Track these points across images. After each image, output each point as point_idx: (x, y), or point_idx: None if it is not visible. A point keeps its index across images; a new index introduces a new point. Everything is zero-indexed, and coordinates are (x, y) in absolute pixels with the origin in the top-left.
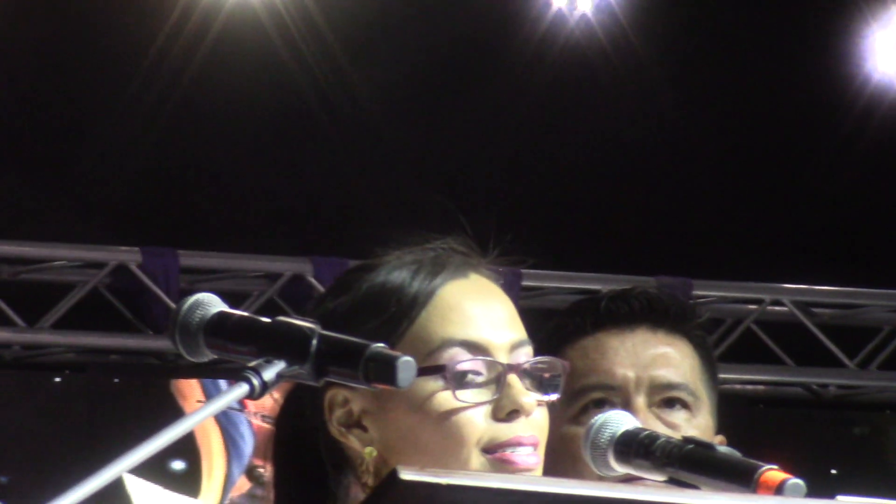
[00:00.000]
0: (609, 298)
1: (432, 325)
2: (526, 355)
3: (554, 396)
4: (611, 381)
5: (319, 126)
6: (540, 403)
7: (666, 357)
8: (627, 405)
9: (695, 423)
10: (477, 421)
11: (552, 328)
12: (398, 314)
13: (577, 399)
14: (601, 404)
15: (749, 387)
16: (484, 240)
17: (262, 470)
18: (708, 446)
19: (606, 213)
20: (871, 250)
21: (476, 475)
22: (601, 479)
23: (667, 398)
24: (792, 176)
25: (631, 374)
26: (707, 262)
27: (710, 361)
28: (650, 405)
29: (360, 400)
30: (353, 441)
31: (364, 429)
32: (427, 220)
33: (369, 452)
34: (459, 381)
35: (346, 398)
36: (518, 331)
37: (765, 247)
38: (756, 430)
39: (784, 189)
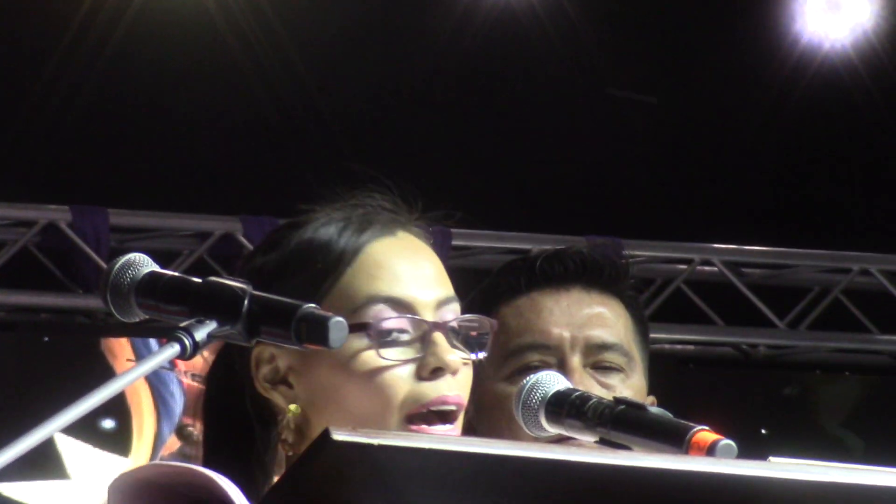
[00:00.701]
0: (543, 258)
1: (358, 282)
2: (453, 313)
3: (481, 355)
4: (546, 341)
5: (249, 83)
6: (466, 362)
7: (600, 317)
8: (563, 365)
9: (629, 384)
10: (401, 380)
11: (486, 287)
12: (324, 270)
13: (513, 359)
14: (538, 367)
15: (679, 346)
16: (413, 198)
17: (192, 429)
18: (639, 407)
19: (536, 172)
20: (800, 211)
21: (409, 436)
22: (535, 440)
23: (601, 359)
24: (722, 136)
25: (566, 333)
26: (637, 221)
27: (643, 321)
28: (585, 365)
29: (286, 357)
30: (278, 398)
31: (289, 385)
32: (357, 180)
33: (293, 409)
34: (384, 339)
35: (272, 355)
36: (445, 288)
37: (695, 207)
38: (686, 389)
39: (714, 149)
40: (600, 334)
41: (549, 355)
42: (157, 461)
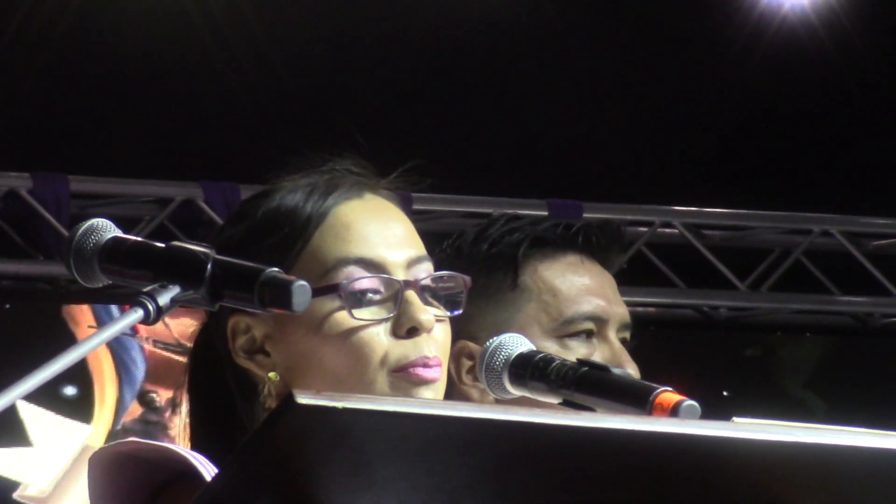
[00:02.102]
0: (588, 227)
1: (326, 245)
2: (425, 271)
3: (456, 312)
4: (602, 314)
5: (208, 48)
6: (441, 319)
7: (619, 294)
8: (603, 337)
9: None
10: (378, 338)
11: (506, 239)
12: (292, 235)
13: (569, 325)
14: (590, 335)
15: (640, 309)
16: (377, 162)
17: (154, 395)
18: (603, 368)
19: (497, 136)
20: (760, 172)
21: (373, 399)
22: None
23: (625, 337)
24: (682, 98)
25: (609, 308)
26: (597, 184)
27: None
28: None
29: (262, 326)
30: (256, 367)
31: (266, 354)
32: (319, 143)
33: (272, 377)
34: (355, 299)
35: (248, 325)
36: (416, 248)
37: (655, 169)
38: (647, 351)
39: (674, 111)
40: (626, 313)
41: (597, 326)
42: (133, 438)
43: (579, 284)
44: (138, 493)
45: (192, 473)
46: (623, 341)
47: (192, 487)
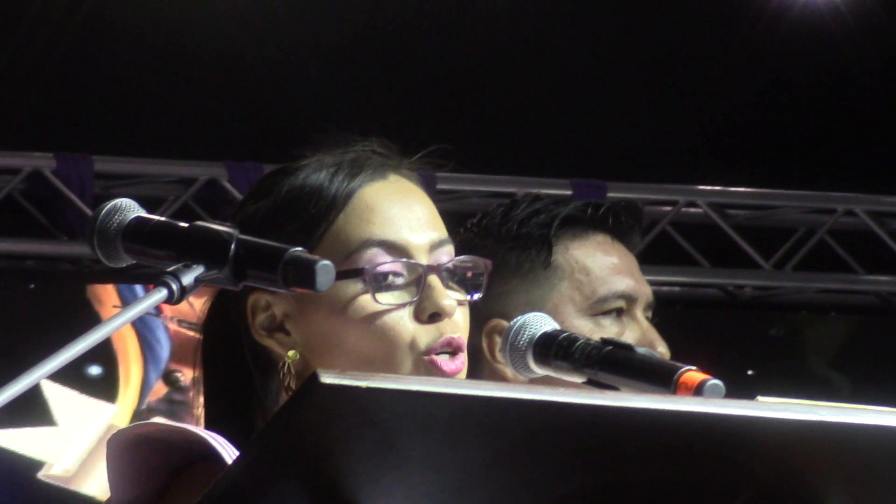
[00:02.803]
0: (615, 207)
1: (350, 227)
2: (447, 255)
3: (477, 296)
4: (633, 292)
5: (232, 28)
6: (461, 303)
7: (642, 274)
8: (632, 316)
9: None
10: (402, 323)
11: (540, 223)
12: (316, 216)
13: (602, 303)
14: (620, 314)
15: (665, 288)
16: (401, 142)
17: (178, 374)
18: (627, 347)
19: (521, 115)
20: (785, 151)
21: (397, 378)
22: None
23: (649, 316)
24: (706, 77)
25: (639, 287)
26: (621, 164)
27: None
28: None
29: (282, 304)
30: (275, 345)
31: (286, 332)
32: (343, 123)
33: (292, 356)
34: (379, 283)
35: (268, 302)
36: (438, 231)
37: (679, 148)
38: (672, 331)
39: (698, 90)
40: (651, 292)
41: (627, 305)
42: (154, 420)
43: (609, 264)
44: (157, 474)
45: (211, 454)
46: (647, 321)
47: (210, 468)
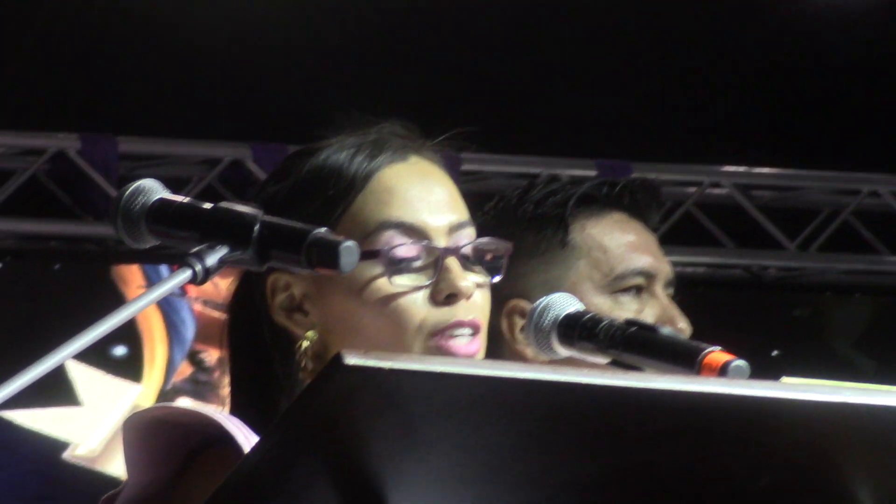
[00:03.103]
0: (632, 184)
1: (369, 209)
2: (467, 237)
3: (497, 278)
4: (651, 269)
5: (256, 8)
6: (480, 286)
7: (662, 252)
8: (652, 293)
9: None
10: (416, 306)
11: (550, 198)
12: (335, 197)
13: (620, 280)
14: (639, 291)
15: (689, 269)
16: (425, 124)
17: (203, 355)
18: (651, 328)
19: (545, 95)
20: (810, 132)
21: (420, 359)
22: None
23: (670, 293)
24: (731, 57)
25: (658, 264)
26: (646, 144)
27: None
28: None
29: (301, 284)
30: (294, 326)
31: (305, 313)
32: (367, 104)
33: (310, 336)
34: (395, 266)
35: (287, 283)
36: (458, 213)
37: (704, 129)
38: (697, 312)
39: (723, 70)
40: (671, 270)
41: (647, 282)
42: (169, 403)
43: (626, 241)
44: (173, 457)
45: (227, 438)
46: (668, 298)
47: (226, 452)
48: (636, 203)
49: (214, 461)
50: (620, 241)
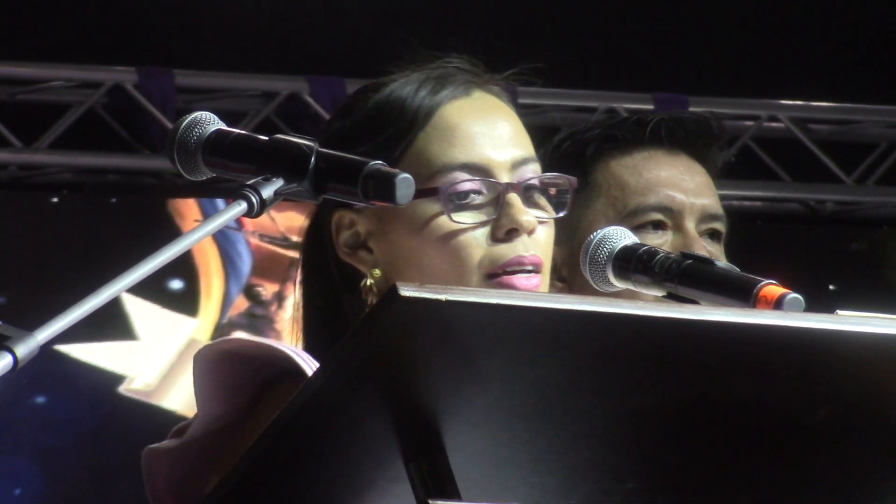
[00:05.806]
0: (662, 119)
1: (432, 148)
2: (532, 172)
3: (561, 214)
4: (670, 204)
5: None
6: (543, 221)
7: (708, 186)
8: (679, 229)
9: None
10: (476, 243)
11: (580, 140)
12: (397, 134)
13: (634, 217)
14: (659, 226)
15: (746, 203)
16: (484, 58)
17: (260, 289)
18: (707, 261)
19: (603, 29)
20: (867, 66)
21: (476, 291)
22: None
23: (711, 228)
24: None
25: (685, 199)
26: (703, 78)
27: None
28: (699, 233)
29: (365, 222)
30: (359, 263)
31: (369, 250)
32: (427, 39)
33: (376, 273)
34: (455, 202)
35: (352, 220)
36: (522, 148)
37: (761, 63)
38: (754, 246)
39: (781, 4)
40: (712, 203)
41: (670, 218)
42: (238, 335)
43: (649, 177)
44: (243, 389)
45: (297, 371)
46: (712, 233)
47: (296, 385)
48: (672, 137)
49: (285, 394)
50: (644, 177)
